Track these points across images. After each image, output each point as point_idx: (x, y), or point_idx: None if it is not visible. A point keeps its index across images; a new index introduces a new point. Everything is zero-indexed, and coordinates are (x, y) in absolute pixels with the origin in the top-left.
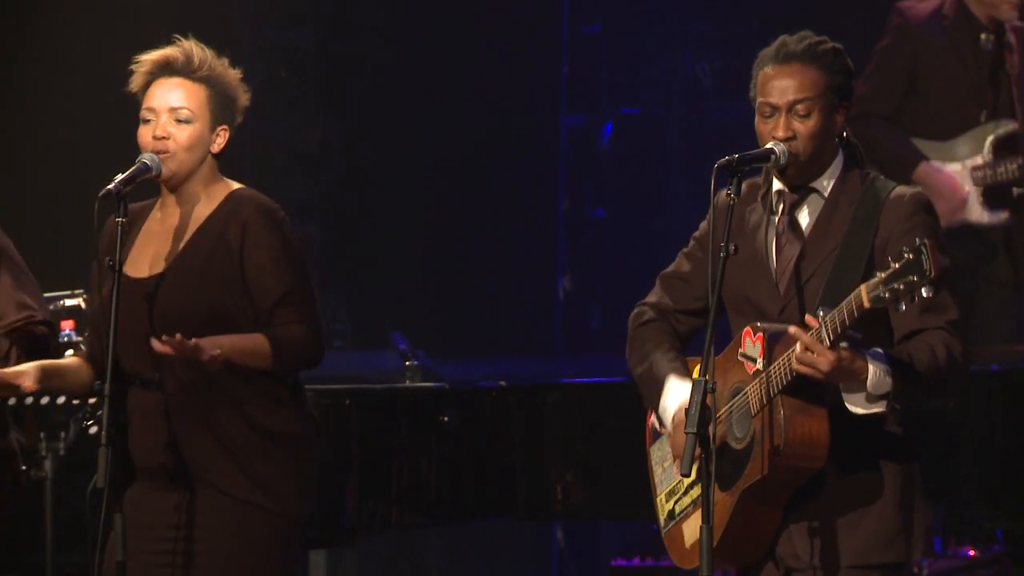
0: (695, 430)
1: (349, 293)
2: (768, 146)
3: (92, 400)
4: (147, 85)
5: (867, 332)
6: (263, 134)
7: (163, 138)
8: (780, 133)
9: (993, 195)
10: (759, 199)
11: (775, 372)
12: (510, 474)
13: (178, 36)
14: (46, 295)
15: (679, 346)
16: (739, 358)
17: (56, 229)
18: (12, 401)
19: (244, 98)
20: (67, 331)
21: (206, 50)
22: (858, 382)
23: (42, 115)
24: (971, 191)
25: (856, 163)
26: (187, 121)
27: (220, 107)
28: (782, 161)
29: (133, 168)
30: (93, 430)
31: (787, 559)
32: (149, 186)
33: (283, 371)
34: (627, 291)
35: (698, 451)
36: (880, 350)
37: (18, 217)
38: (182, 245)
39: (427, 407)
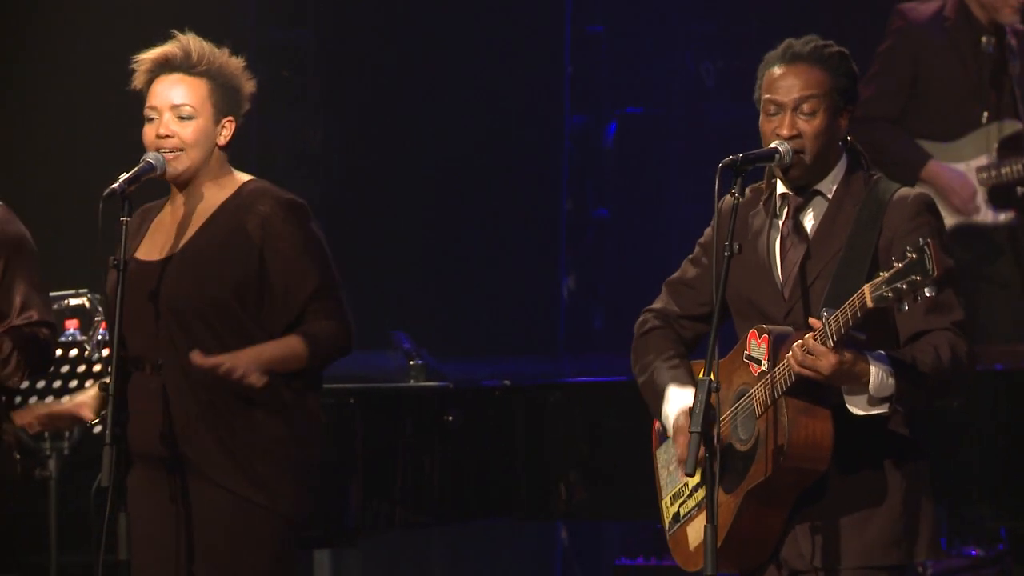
0: (699, 429)
1: (352, 293)
2: (772, 145)
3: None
4: (149, 83)
5: (872, 334)
6: (264, 134)
7: (167, 136)
8: (785, 131)
9: (998, 195)
10: (761, 203)
11: (779, 374)
12: (513, 473)
13: (176, 32)
14: (50, 295)
15: (683, 352)
16: (744, 360)
17: (59, 229)
18: (17, 400)
19: (249, 86)
20: (71, 331)
21: (205, 43)
22: (860, 384)
23: (44, 115)
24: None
25: (860, 166)
26: (190, 117)
27: (223, 99)
28: (786, 160)
29: (137, 168)
30: (97, 429)
31: (791, 561)
32: (155, 185)
33: (317, 368)
34: (630, 291)
35: (702, 451)
36: (883, 352)
37: (20, 217)
38: (192, 232)
39: (431, 406)
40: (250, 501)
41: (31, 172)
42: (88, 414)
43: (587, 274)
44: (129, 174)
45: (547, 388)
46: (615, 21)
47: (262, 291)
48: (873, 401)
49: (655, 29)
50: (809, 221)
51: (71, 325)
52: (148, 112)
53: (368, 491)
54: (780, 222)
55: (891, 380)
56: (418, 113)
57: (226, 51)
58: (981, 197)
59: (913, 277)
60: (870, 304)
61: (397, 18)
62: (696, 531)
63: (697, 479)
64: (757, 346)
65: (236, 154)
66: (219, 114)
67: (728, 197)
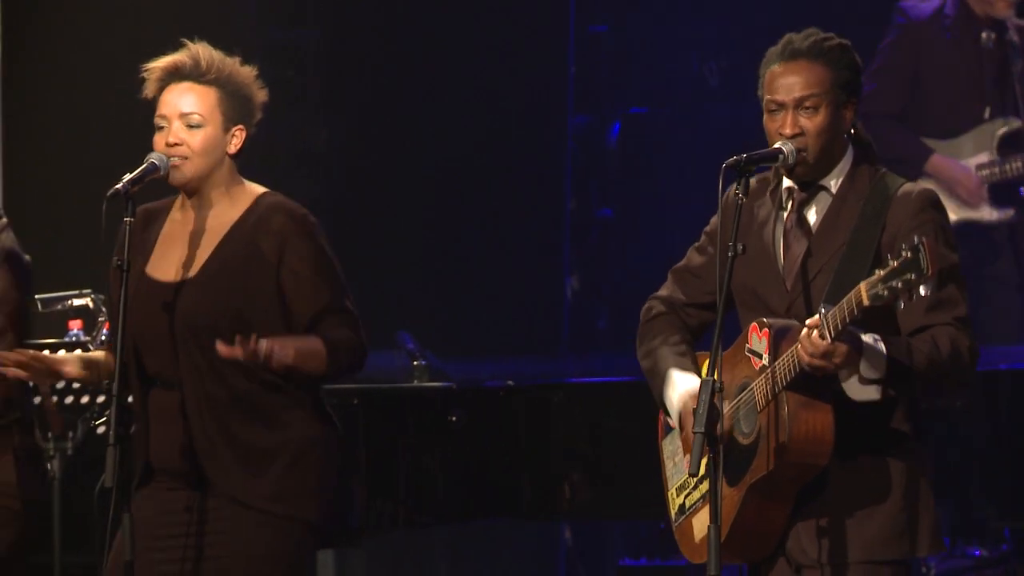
0: (703, 430)
1: (355, 293)
2: (776, 145)
3: (100, 400)
4: (159, 92)
5: (875, 330)
6: (267, 134)
7: (176, 144)
8: (787, 130)
9: (999, 192)
10: (768, 194)
11: (780, 368)
12: (517, 474)
13: (186, 40)
14: (53, 295)
15: (688, 338)
16: (746, 353)
17: (62, 229)
18: (37, 400)
19: (260, 95)
20: (75, 331)
21: (215, 52)
22: (855, 365)
23: (47, 115)
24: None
25: (866, 159)
26: (198, 126)
27: (233, 108)
28: (790, 161)
29: (141, 168)
30: (101, 430)
31: (796, 555)
32: (158, 185)
33: (332, 376)
34: (634, 291)
35: (707, 449)
36: (877, 335)
37: (23, 217)
38: (210, 251)
39: (434, 407)
40: (271, 513)
41: (34, 173)
42: (70, 369)
43: (591, 274)
44: (133, 174)
45: (551, 388)
46: (618, 21)
47: (278, 309)
48: (865, 380)
49: (658, 29)
50: (813, 215)
51: (75, 326)
52: (158, 120)
53: (372, 491)
54: (785, 214)
55: (882, 347)
56: (420, 113)
57: (237, 60)
58: (982, 201)
59: (908, 276)
60: (866, 302)
61: (399, 18)
62: (701, 523)
63: (702, 472)
64: (758, 340)
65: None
66: (229, 122)
67: (732, 191)
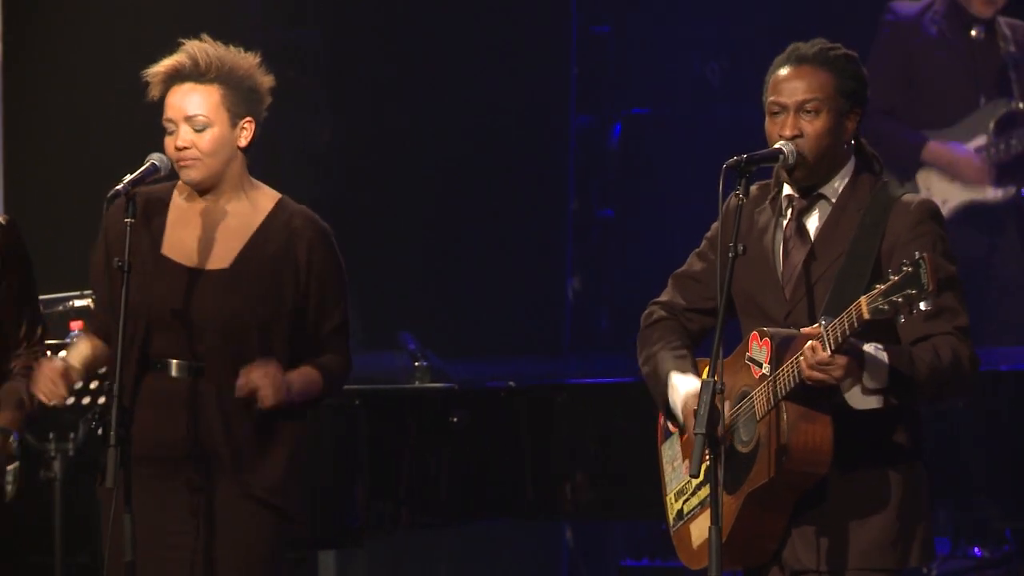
0: (703, 431)
1: (357, 293)
2: (777, 146)
3: (101, 400)
4: (164, 93)
5: (876, 339)
6: (270, 133)
7: (185, 148)
8: (787, 131)
9: (1000, 172)
10: (768, 202)
11: (780, 378)
12: (519, 474)
13: (183, 40)
14: (54, 296)
15: (688, 343)
16: (746, 362)
17: (63, 230)
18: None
19: (266, 81)
20: (76, 332)
21: (213, 47)
22: (856, 376)
23: (47, 115)
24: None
25: (868, 169)
26: (205, 127)
27: (238, 102)
28: (790, 161)
29: (142, 169)
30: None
31: (791, 562)
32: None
33: (318, 402)
34: (636, 291)
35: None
36: (879, 344)
37: (24, 217)
38: (242, 244)
39: (436, 407)
40: (270, 505)
41: (35, 173)
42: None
43: (592, 275)
44: (133, 175)
45: (552, 389)
46: (620, 22)
47: (300, 314)
48: (866, 391)
49: (661, 30)
50: (813, 224)
51: (76, 326)
52: (165, 124)
53: (373, 492)
54: (784, 222)
55: (884, 357)
56: (423, 113)
57: (238, 51)
58: (985, 178)
59: (908, 291)
60: (866, 316)
61: (400, 18)
62: (700, 529)
63: (701, 478)
64: (759, 349)
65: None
66: (236, 117)
67: (733, 198)
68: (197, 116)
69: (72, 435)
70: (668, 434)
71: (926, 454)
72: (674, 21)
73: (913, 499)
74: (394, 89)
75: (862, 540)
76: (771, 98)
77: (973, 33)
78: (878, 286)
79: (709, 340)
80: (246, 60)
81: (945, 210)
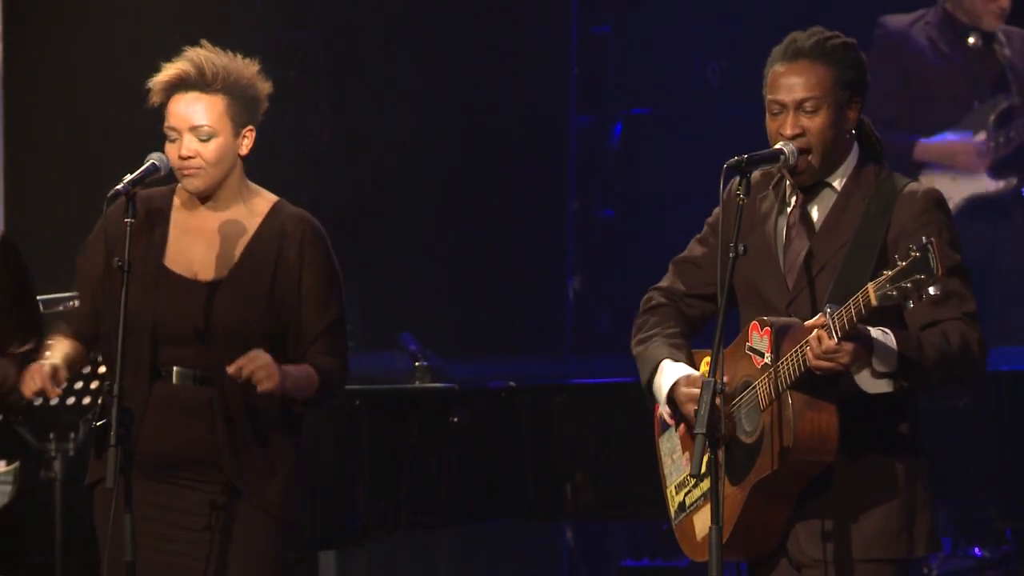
0: (704, 431)
1: (358, 294)
2: (777, 146)
3: (101, 400)
4: (166, 100)
5: (883, 325)
6: (271, 134)
7: (189, 157)
8: (788, 131)
9: (1000, 165)
10: (771, 188)
11: (783, 367)
12: (519, 474)
13: (183, 42)
14: (53, 296)
15: (686, 330)
16: (747, 351)
17: (63, 230)
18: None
19: (265, 88)
20: (53, 344)
21: (219, 55)
22: (868, 356)
23: (47, 115)
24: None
25: (872, 158)
26: (210, 137)
27: (241, 111)
28: (791, 161)
29: (142, 169)
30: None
31: (796, 554)
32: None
33: (314, 404)
34: (636, 291)
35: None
36: (885, 328)
37: (24, 218)
38: (239, 253)
39: (436, 408)
40: (275, 515)
41: (35, 173)
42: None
43: (593, 275)
44: (133, 175)
45: (553, 389)
46: (621, 22)
47: (295, 315)
48: (877, 374)
49: (661, 30)
50: (816, 212)
51: None
52: (168, 132)
53: (374, 492)
54: (788, 210)
55: (892, 340)
56: (423, 113)
57: (239, 58)
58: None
59: (917, 276)
60: (874, 303)
61: (401, 18)
62: (703, 521)
63: (704, 471)
64: (759, 338)
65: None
66: (238, 126)
67: (734, 191)
68: (203, 126)
69: (72, 435)
70: (665, 427)
71: (926, 451)
72: (674, 21)
73: (916, 488)
74: (394, 89)
75: (867, 530)
76: (770, 96)
77: (971, 40)
78: (885, 272)
79: (708, 329)
80: (249, 69)
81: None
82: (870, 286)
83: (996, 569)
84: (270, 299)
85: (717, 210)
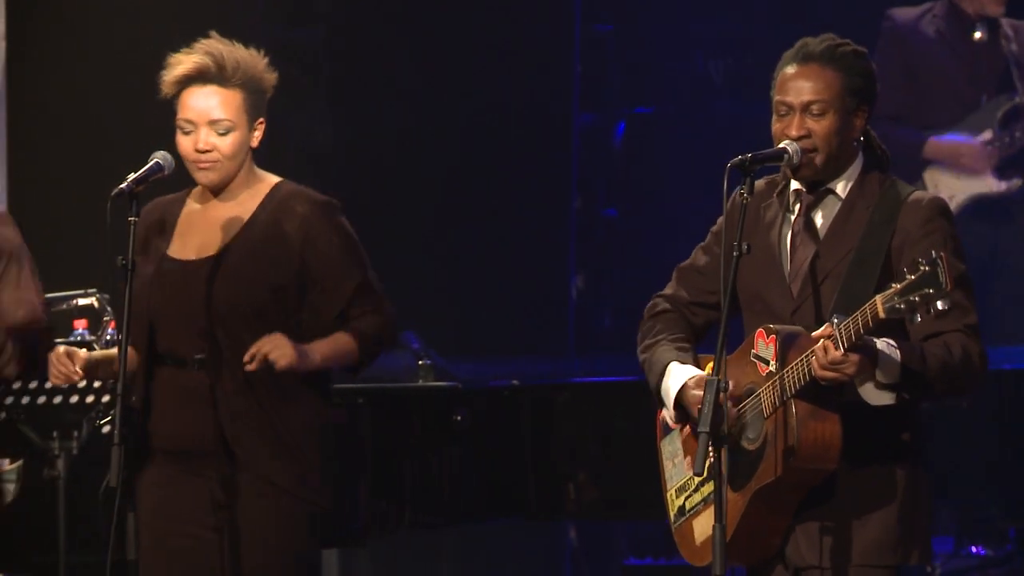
0: (708, 429)
1: None
2: (781, 145)
3: (105, 399)
4: (179, 92)
5: (886, 335)
6: (273, 132)
7: (206, 151)
8: (793, 132)
9: (1005, 165)
10: (775, 196)
11: (789, 375)
12: (522, 474)
13: (184, 37)
14: (58, 294)
15: (691, 337)
16: (751, 359)
17: (67, 228)
18: (25, 400)
19: (272, 80)
20: (80, 330)
21: (234, 48)
22: (870, 371)
23: (51, 114)
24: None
25: (877, 167)
26: (228, 131)
27: (255, 104)
28: (795, 160)
29: (146, 168)
30: (106, 429)
31: (794, 559)
32: (164, 184)
33: (367, 365)
34: (639, 290)
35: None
36: (891, 340)
37: (27, 216)
38: (232, 234)
39: (439, 407)
40: (295, 495)
41: (39, 172)
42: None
43: (596, 274)
44: (137, 174)
45: (556, 388)
46: (624, 20)
47: (301, 292)
48: (880, 385)
49: (664, 28)
50: (821, 219)
51: (79, 325)
52: (182, 124)
53: (376, 491)
54: (792, 218)
55: (896, 353)
56: (425, 112)
57: (251, 51)
58: (991, 165)
59: (926, 290)
60: (881, 315)
61: (407, 17)
62: (703, 526)
63: (705, 475)
64: (765, 346)
65: None
66: (252, 119)
67: (738, 197)
68: (223, 120)
69: (76, 433)
70: (668, 430)
71: (929, 453)
72: (677, 19)
73: (915, 497)
74: (395, 88)
75: (865, 537)
76: (778, 97)
77: (977, 35)
78: (894, 285)
79: (711, 336)
80: (260, 61)
81: (952, 205)
82: (878, 299)
83: (999, 568)
84: (259, 277)
85: (721, 219)
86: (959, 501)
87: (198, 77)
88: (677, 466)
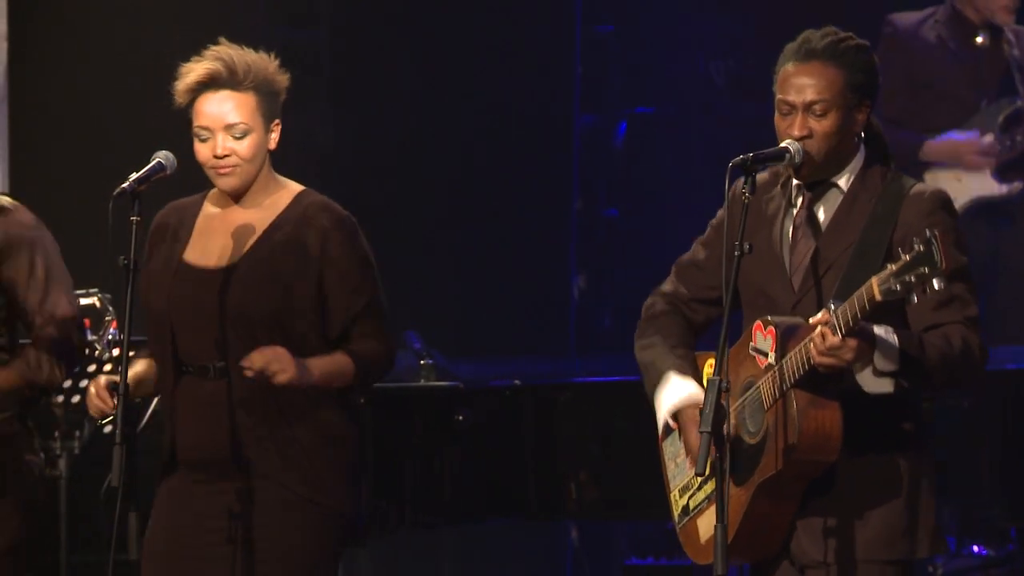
0: (710, 429)
1: None
2: (783, 145)
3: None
4: (192, 100)
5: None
6: None
7: (225, 156)
8: (796, 132)
9: (1006, 169)
10: (779, 186)
11: (788, 366)
12: (523, 473)
13: (190, 47)
14: None
15: (689, 340)
16: (750, 352)
17: (69, 229)
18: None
19: (284, 82)
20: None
21: (244, 52)
22: (868, 358)
23: (53, 113)
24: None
25: (879, 160)
26: (245, 134)
27: (270, 106)
28: (796, 160)
29: (148, 167)
30: (108, 429)
31: (799, 555)
32: (167, 183)
33: (360, 389)
34: (640, 291)
35: (713, 450)
36: (889, 327)
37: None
38: (252, 241)
39: (441, 406)
40: (314, 503)
41: (40, 172)
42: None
43: (597, 274)
44: (139, 173)
45: (557, 388)
46: (626, 21)
47: (319, 304)
48: (879, 372)
49: (665, 29)
50: (823, 212)
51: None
52: (199, 132)
53: (377, 491)
54: (794, 211)
55: (894, 339)
56: (427, 113)
57: (261, 55)
58: (992, 162)
59: (921, 269)
60: (878, 297)
61: (409, 18)
62: (706, 524)
63: (708, 472)
64: (763, 338)
65: None
66: (268, 121)
67: (739, 191)
68: (238, 124)
69: (78, 433)
70: (669, 431)
71: (931, 450)
72: (678, 20)
73: (919, 488)
74: (399, 89)
75: (869, 531)
76: (780, 95)
77: (979, 40)
78: (890, 266)
79: (711, 333)
80: (270, 63)
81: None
82: (874, 280)
83: (1000, 568)
84: (276, 286)
85: (721, 212)
86: (960, 500)
87: (210, 83)
88: (679, 466)
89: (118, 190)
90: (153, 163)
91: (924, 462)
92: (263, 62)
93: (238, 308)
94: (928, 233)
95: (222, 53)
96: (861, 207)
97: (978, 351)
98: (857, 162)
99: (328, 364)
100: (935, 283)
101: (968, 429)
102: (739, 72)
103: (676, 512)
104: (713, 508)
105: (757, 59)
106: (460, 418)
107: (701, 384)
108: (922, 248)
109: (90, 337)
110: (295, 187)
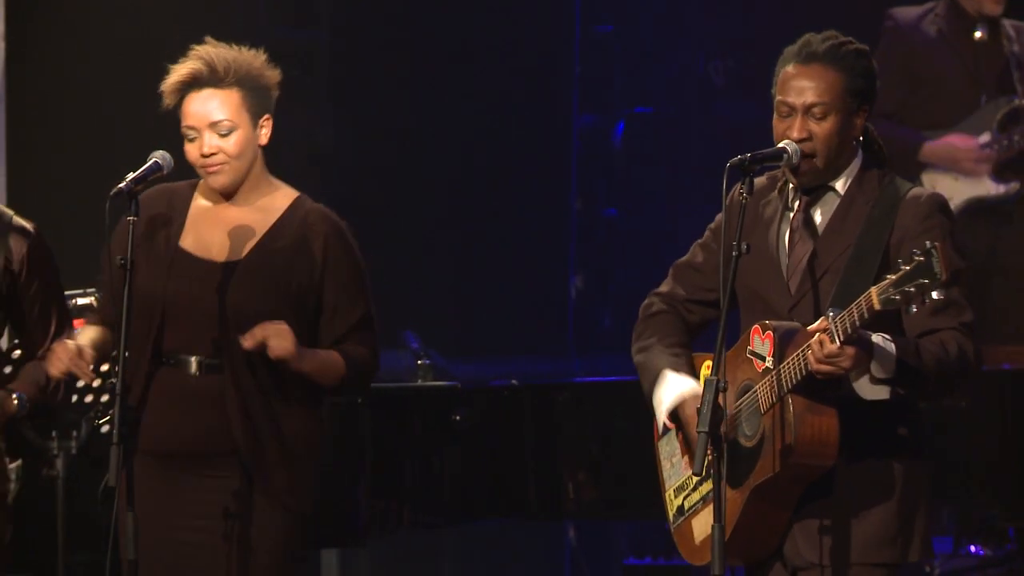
0: (707, 429)
1: None
2: (781, 145)
3: (104, 399)
4: (179, 101)
5: (882, 331)
6: (275, 134)
7: (212, 154)
8: (795, 134)
9: (1003, 168)
10: (776, 191)
11: (785, 371)
12: (522, 473)
13: (191, 47)
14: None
15: (686, 340)
16: (747, 355)
17: (66, 229)
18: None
19: (274, 77)
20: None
21: (225, 50)
22: (866, 364)
23: (51, 113)
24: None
25: (876, 163)
26: (230, 131)
27: (257, 101)
28: (794, 161)
29: (144, 167)
30: (105, 428)
31: (792, 558)
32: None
33: (341, 391)
34: (639, 290)
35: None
36: (886, 335)
37: (27, 216)
38: (254, 242)
39: (439, 406)
40: (283, 504)
41: (38, 171)
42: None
43: (596, 274)
44: (136, 173)
45: (556, 388)
46: (625, 21)
47: (315, 312)
48: (875, 380)
49: (664, 29)
50: (820, 216)
51: (78, 324)
52: (186, 131)
53: (376, 491)
54: (791, 214)
55: (891, 347)
56: (426, 113)
57: (244, 50)
58: (988, 168)
59: (921, 280)
60: (877, 307)
61: (405, 18)
62: (701, 525)
63: (704, 474)
64: (761, 342)
65: None
66: (255, 117)
67: (737, 196)
68: (222, 121)
69: (75, 433)
70: (665, 430)
71: (928, 451)
72: (677, 20)
73: (913, 494)
74: (398, 89)
75: (863, 534)
76: (779, 97)
77: (978, 35)
78: (889, 276)
79: (707, 334)
80: (256, 59)
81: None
82: (873, 290)
83: (998, 568)
84: (278, 287)
85: (720, 216)
86: (959, 501)
87: (193, 83)
88: (675, 466)
89: (115, 190)
90: (150, 163)
91: (919, 467)
92: (247, 57)
93: (237, 307)
94: (928, 244)
95: (203, 52)
96: (858, 211)
97: (973, 357)
98: (854, 166)
99: (323, 357)
100: (934, 294)
101: (966, 429)
102: (738, 72)
103: (671, 512)
104: (708, 509)
105: (755, 59)
106: (458, 418)
107: (698, 377)
108: (922, 259)
109: None
110: (289, 191)
